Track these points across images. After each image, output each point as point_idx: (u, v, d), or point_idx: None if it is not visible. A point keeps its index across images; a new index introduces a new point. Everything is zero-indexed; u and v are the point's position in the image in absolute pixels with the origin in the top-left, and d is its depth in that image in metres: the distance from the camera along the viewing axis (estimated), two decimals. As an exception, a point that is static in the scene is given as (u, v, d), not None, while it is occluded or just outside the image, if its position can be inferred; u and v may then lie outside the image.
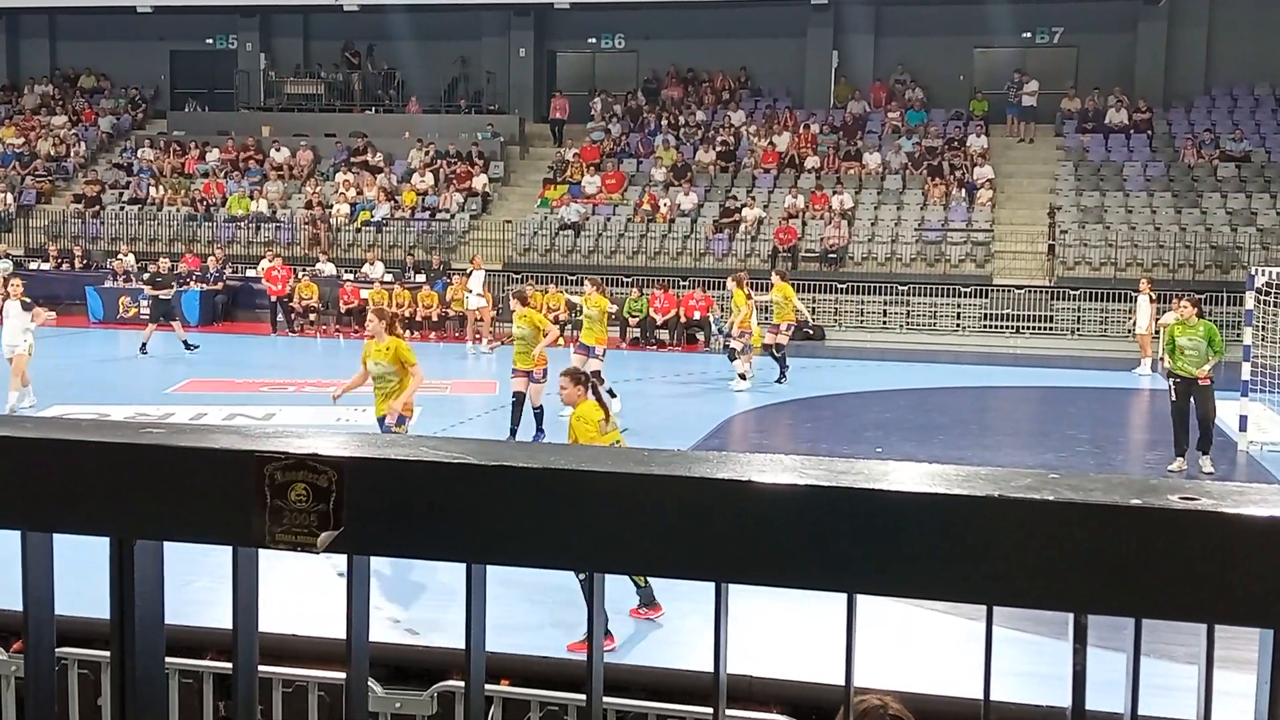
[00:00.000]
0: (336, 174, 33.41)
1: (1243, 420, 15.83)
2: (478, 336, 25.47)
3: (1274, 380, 15.57)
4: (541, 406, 14.49)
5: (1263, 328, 15.99)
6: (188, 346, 22.44)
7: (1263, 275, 16.15)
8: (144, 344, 22.43)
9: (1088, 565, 1.04)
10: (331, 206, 32.19)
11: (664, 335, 26.93)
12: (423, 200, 32.39)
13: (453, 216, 31.68)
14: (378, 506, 1.16)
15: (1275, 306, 15.61)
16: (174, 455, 1.19)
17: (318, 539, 1.11)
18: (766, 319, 21.13)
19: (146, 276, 25.24)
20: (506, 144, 34.41)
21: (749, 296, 20.19)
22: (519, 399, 14.43)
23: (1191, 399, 13.86)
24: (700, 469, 1.11)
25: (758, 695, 4.06)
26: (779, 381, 20.29)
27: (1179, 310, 14.30)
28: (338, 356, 24.58)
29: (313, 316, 27.73)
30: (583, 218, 30.79)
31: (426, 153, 33.68)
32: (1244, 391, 16.21)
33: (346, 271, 29.17)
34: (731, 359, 19.71)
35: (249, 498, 1.14)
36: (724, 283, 28.31)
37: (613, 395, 15.75)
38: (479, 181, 32.75)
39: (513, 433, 14.29)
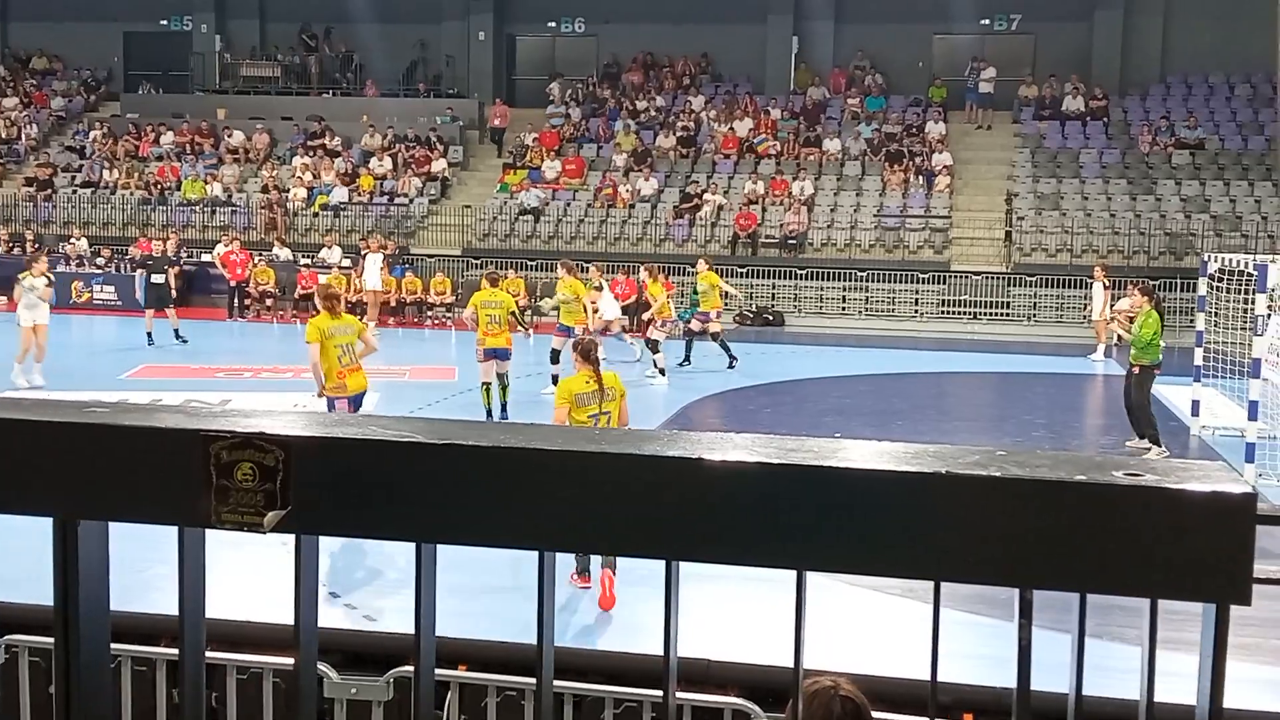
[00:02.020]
0: (293, 158, 33.10)
1: (1195, 405, 16.04)
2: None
3: (1226, 366, 15.78)
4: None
5: (1215, 314, 16.19)
6: (178, 337, 21.99)
7: (1215, 262, 16.35)
8: (149, 334, 21.83)
9: (1033, 541, 1.05)
10: (288, 190, 31.91)
11: (624, 320, 26.87)
12: (381, 185, 32.17)
13: (411, 201, 31.48)
14: (326, 486, 1.15)
15: (1227, 293, 15.82)
16: (118, 435, 1.17)
17: (264, 519, 1.10)
18: (692, 310, 21.11)
19: (140, 258, 24.79)
20: (466, 128, 34.22)
21: (664, 287, 20.75)
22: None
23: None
24: (651, 447, 1.11)
25: (715, 678, 4.07)
26: (730, 367, 20.36)
27: (1131, 299, 14.49)
28: (294, 342, 24.35)
29: (269, 302, 27.49)
30: (543, 203, 30.69)
31: (385, 137, 33.44)
32: (1196, 377, 16.43)
33: (303, 256, 28.93)
34: (655, 351, 19.49)
35: (195, 477, 1.13)
36: (687, 269, 28.37)
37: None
38: (438, 166, 32.56)
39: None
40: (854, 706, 2.88)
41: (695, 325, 20.79)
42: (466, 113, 34.61)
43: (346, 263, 27.96)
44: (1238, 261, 15.64)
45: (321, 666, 4.27)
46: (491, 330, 14.64)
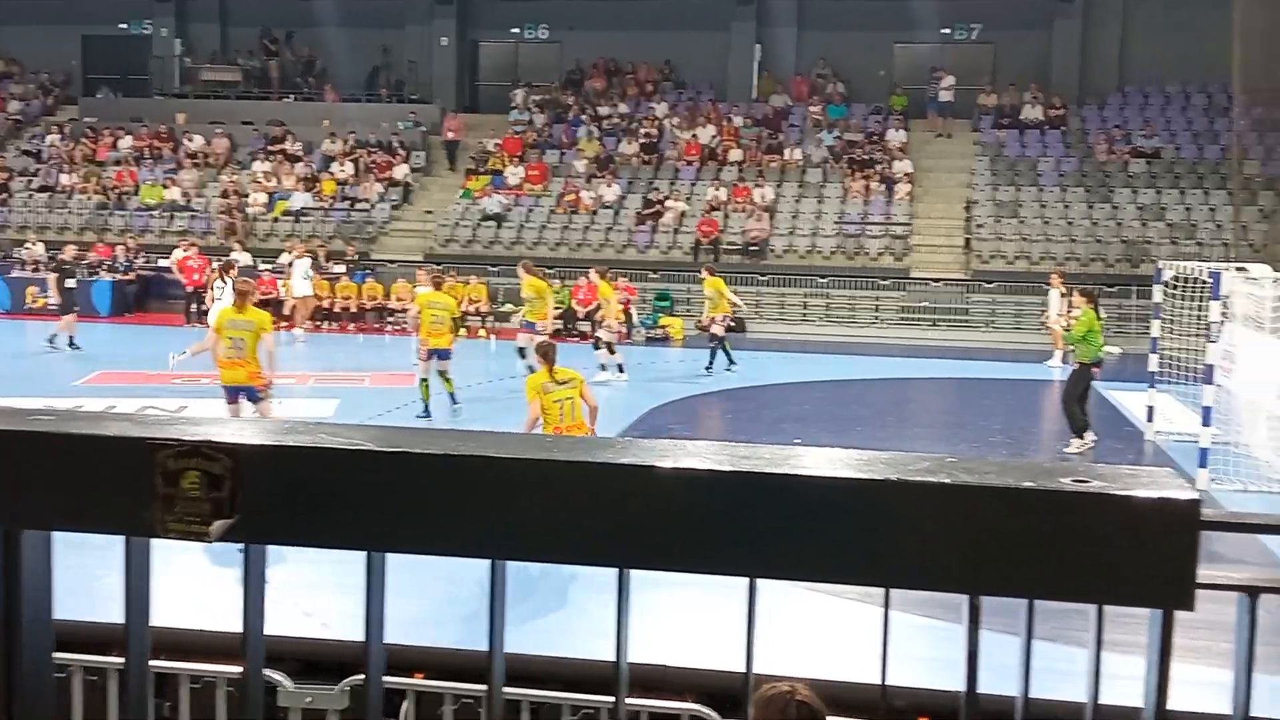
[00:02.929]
0: (253, 163, 32.85)
1: (1150, 411, 16.21)
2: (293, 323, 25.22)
3: (1181, 372, 15.96)
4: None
5: (1171, 321, 16.37)
6: (66, 344, 21.58)
7: (1170, 270, 16.53)
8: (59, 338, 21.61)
9: (982, 548, 1.05)
10: (248, 196, 31.65)
11: (585, 327, 26.86)
12: (342, 190, 31.98)
13: (373, 206, 31.32)
14: (274, 494, 1.13)
15: (1182, 300, 16.00)
16: (63, 443, 1.15)
17: (210, 527, 1.09)
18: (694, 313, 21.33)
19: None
20: (428, 134, 34.09)
21: (614, 288, 21.07)
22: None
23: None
24: (604, 455, 1.11)
25: (672, 684, 4.08)
26: (729, 370, 20.60)
27: (1075, 304, 14.76)
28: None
29: (229, 307, 27.22)
30: (505, 209, 30.62)
31: (346, 142, 33.25)
32: (1152, 383, 16.60)
33: (263, 262, 28.70)
34: (611, 352, 19.46)
35: (140, 486, 1.11)
36: (647, 274, 28.40)
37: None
38: (400, 171, 32.41)
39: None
40: (810, 712, 2.89)
41: (718, 330, 20.85)
42: (429, 118, 34.48)
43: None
44: (1192, 269, 15.83)
45: (276, 675, 4.23)
46: (435, 330, 15.36)
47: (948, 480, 1.05)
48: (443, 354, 15.45)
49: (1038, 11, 32.40)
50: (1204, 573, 1.04)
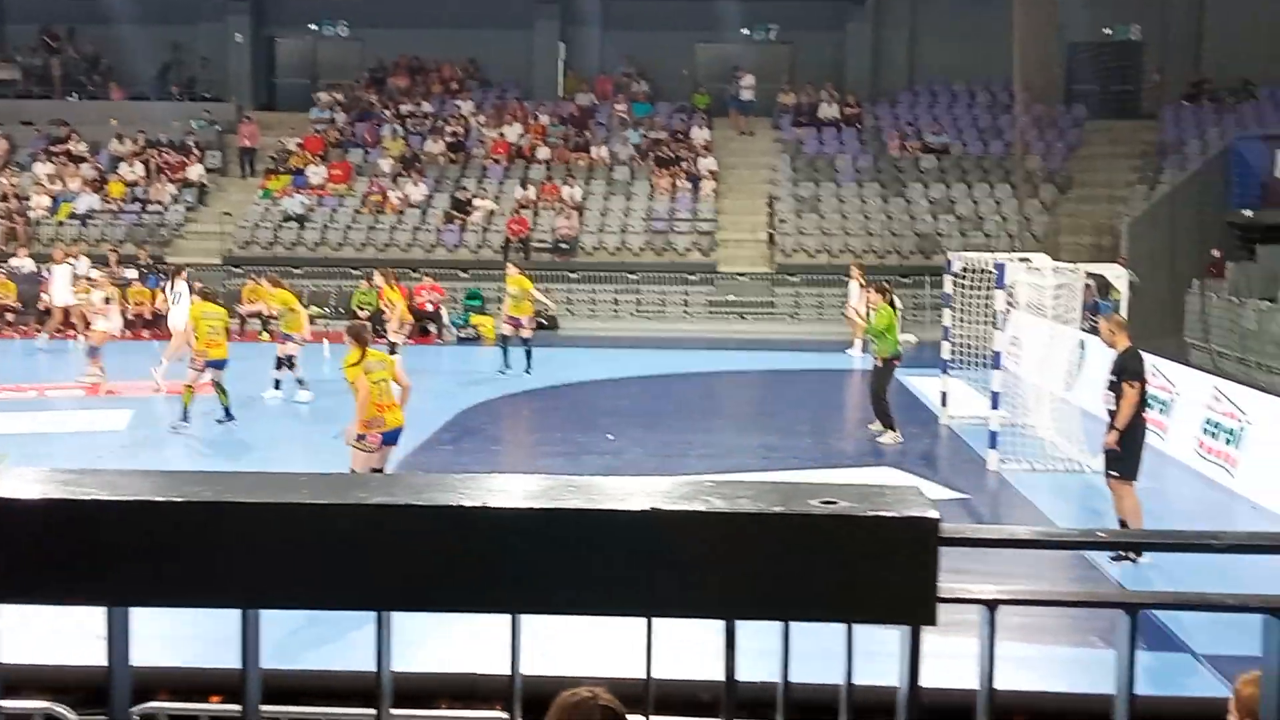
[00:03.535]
0: (35, 164, 31.12)
1: (944, 396, 16.94)
2: (63, 332, 24.06)
3: (971, 358, 16.72)
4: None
5: (963, 310, 17.12)
6: None
7: (959, 261, 17.29)
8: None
9: (736, 573, 1.07)
10: (30, 199, 29.98)
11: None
12: (132, 191, 30.61)
13: (166, 209, 30.09)
14: (14, 550, 1.07)
15: (971, 290, 16.75)
16: None
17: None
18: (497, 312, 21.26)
19: None
20: (224, 133, 32.94)
21: (400, 291, 21.10)
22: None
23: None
24: (355, 495, 1.08)
25: (482, 693, 4.05)
26: (503, 372, 20.61)
27: (871, 301, 15.29)
28: (36, 358, 22.97)
29: (10, 316, 25.77)
30: (308, 209, 29.85)
31: (136, 141, 31.83)
32: (944, 369, 17.35)
33: (48, 268, 27.21)
34: (290, 367, 17.88)
35: None
36: (457, 274, 28.13)
37: (302, 384, 17.57)
38: (194, 171, 31.23)
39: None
40: (613, 714, 2.91)
41: (507, 329, 20.80)
42: (224, 116, 33.31)
43: (95, 274, 26.44)
44: (979, 260, 16.59)
45: (58, 708, 4.03)
46: (214, 341, 15.45)
47: (703, 508, 1.06)
48: (221, 365, 15.62)
49: (832, 13, 33.39)
50: (946, 586, 1.08)
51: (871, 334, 15.93)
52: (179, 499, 1.05)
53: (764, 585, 1.06)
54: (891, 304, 16.02)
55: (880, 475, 13.53)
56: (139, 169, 31.11)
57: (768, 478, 13.24)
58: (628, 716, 2.94)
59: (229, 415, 15.67)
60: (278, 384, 17.76)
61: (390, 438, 10.75)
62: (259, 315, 23.45)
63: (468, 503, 1.06)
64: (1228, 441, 13.34)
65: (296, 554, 1.06)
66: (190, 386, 15.29)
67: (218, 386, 15.61)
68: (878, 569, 1.05)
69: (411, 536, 1.06)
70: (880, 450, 14.75)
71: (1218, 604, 1.30)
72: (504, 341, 20.97)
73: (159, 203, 30.22)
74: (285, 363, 17.96)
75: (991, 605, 1.17)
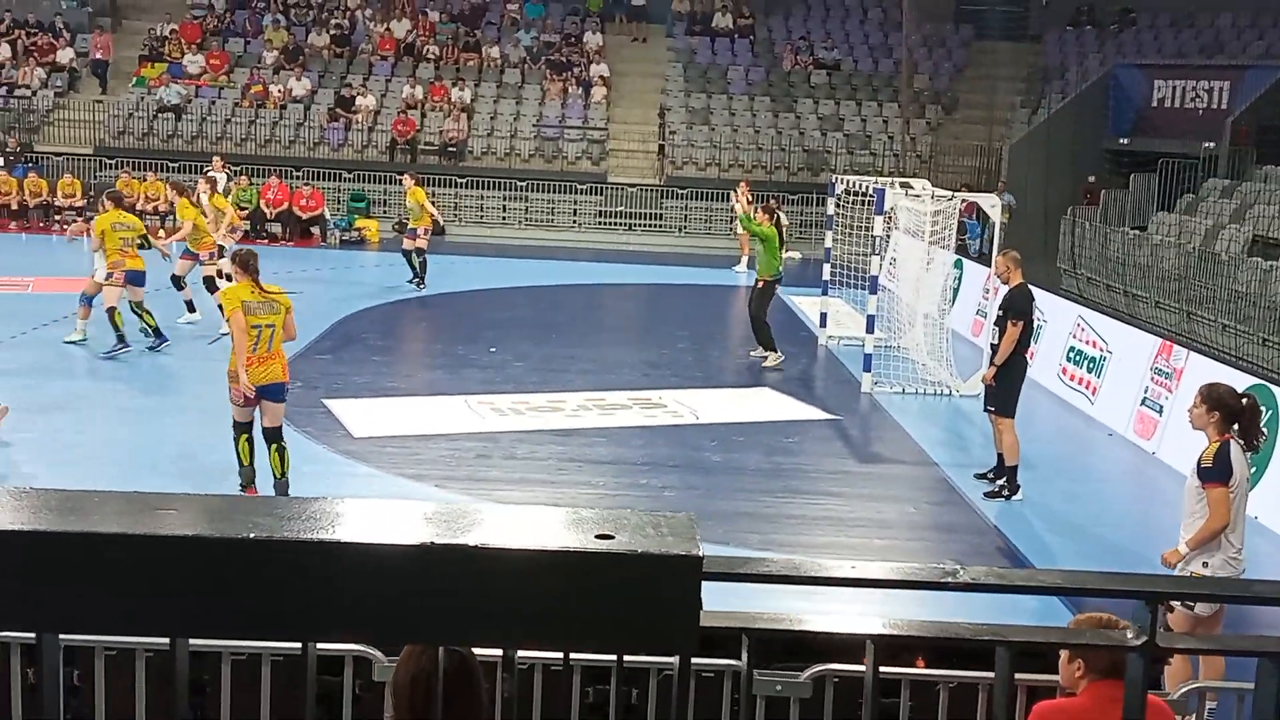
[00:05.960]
0: (-110, 41, 29.46)
1: (823, 317, 17.27)
2: None
3: (852, 280, 17.02)
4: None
5: (847, 230, 17.37)
6: None
7: (842, 184, 17.52)
8: None
9: (518, 605, 1.14)
10: (-116, 78, 28.43)
11: (276, 229, 25.89)
12: (-2, 74, 29.21)
13: (34, 94, 28.79)
14: None
15: (853, 211, 16.99)
16: None
17: None
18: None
19: None
20: (96, 15, 31.49)
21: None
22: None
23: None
24: (145, 525, 1.12)
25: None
26: (418, 286, 19.84)
27: (759, 220, 15.38)
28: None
29: None
30: (184, 100, 28.83)
31: (1, 21, 30.27)
32: (824, 290, 17.67)
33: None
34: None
35: None
36: (341, 174, 27.53)
37: (192, 310, 15.73)
38: (64, 56, 29.87)
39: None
40: (460, 658, 3.01)
41: (406, 243, 20.02)
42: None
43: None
44: (861, 184, 16.82)
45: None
46: (128, 253, 13.96)
47: (477, 544, 1.13)
48: (139, 279, 14.00)
49: (729, -81, 32.99)
50: (707, 614, 1.17)
51: (748, 228, 16.16)
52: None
53: (543, 618, 1.14)
54: (778, 224, 16.17)
55: (758, 397, 13.81)
56: (4, 50, 29.66)
57: (647, 395, 13.39)
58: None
59: (160, 336, 14.24)
60: (191, 305, 15.95)
61: (270, 393, 8.92)
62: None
63: (268, 535, 1.12)
64: (1089, 369, 13.89)
65: (97, 582, 1.10)
66: (114, 308, 13.80)
67: (139, 308, 14.05)
68: (645, 603, 1.14)
69: (209, 563, 1.11)
70: (760, 372, 14.99)
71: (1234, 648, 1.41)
72: (407, 256, 20.14)
73: (27, 87, 28.90)
74: (416, 254, 19.41)
75: (750, 634, 1.27)
